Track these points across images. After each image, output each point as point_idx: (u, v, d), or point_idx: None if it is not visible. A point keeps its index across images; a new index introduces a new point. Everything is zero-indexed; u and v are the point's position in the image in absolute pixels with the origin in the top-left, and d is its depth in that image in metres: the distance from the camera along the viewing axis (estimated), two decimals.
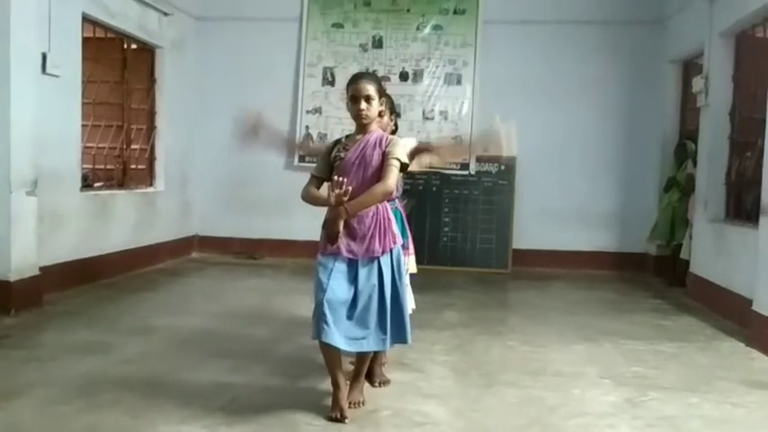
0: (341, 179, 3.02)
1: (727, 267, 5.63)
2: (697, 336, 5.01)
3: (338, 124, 7.81)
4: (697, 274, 6.30)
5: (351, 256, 3.13)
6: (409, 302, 3.48)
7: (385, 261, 3.16)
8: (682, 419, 3.29)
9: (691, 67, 7.39)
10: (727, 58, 6.08)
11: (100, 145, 6.74)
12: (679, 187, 6.99)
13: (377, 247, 3.13)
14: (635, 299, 6.44)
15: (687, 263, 6.63)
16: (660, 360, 4.33)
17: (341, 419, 3.09)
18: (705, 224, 6.19)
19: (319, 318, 3.04)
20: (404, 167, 3.20)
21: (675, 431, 3.14)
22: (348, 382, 3.29)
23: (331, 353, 3.14)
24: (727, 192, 6.08)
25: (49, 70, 5.40)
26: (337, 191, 2.99)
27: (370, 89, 3.15)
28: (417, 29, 8.09)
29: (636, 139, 7.96)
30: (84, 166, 6.40)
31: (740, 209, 5.94)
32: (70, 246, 5.86)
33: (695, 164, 6.72)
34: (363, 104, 3.15)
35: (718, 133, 6.10)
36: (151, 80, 7.48)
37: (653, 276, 7.55)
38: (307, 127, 8.18)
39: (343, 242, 3.12)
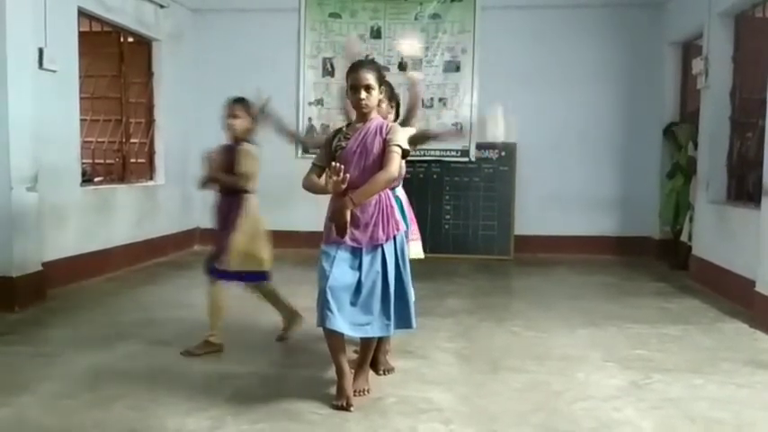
0: (338, 165, 3.01)
1: (729, 249, 5.63)
2: (700, 318, 5.01)
3: (340, 115, 7.76)
4: (699, 257, 6.30)
5: (355, 245, 3.13)
6: None
7: (388, 248, 3.16)
8: (686, 401, 3.29)
9: (690, 49, 7.34)
10: (727, 38, 6.04)
11: (99, 139, 6.73)
12: (683, 172, 6.96)
13: (380, 234, 3.13)
14: (638, 283, 6.43)
15: (688, 246, 6.62)
16: (664, 342, 4.33)
17: (346, 408, 3.10)
18: (707, 206, 6.18)
19: (323, 305, 3.05)
20: (405, 154, 3.18)
21: (680, 413, 3.15)
22: (353, 371, 3.30)
23: (335, 340, 3.14)
24: (728, 173, 6.07)
25: (46, 65, 5.38)
26: (335, 178, 2.98)
27: (370, 78, 3.13)
28: (415, 18, 8.03)
29: (636, 123, 7.93)
30: (84, 160, 6.39)
31: (742, 190, 5.94)
32: (72, 241, 5.86)
33: (696, 146, 6.70)
34: (363, 94, 3.13)
35: (719, 115, 6.08)
36: (149, 73, 7.46)
37: (655, 260, 7.54)
38: (309, 119, 8.15)
39: (347, 230, 3.11)
